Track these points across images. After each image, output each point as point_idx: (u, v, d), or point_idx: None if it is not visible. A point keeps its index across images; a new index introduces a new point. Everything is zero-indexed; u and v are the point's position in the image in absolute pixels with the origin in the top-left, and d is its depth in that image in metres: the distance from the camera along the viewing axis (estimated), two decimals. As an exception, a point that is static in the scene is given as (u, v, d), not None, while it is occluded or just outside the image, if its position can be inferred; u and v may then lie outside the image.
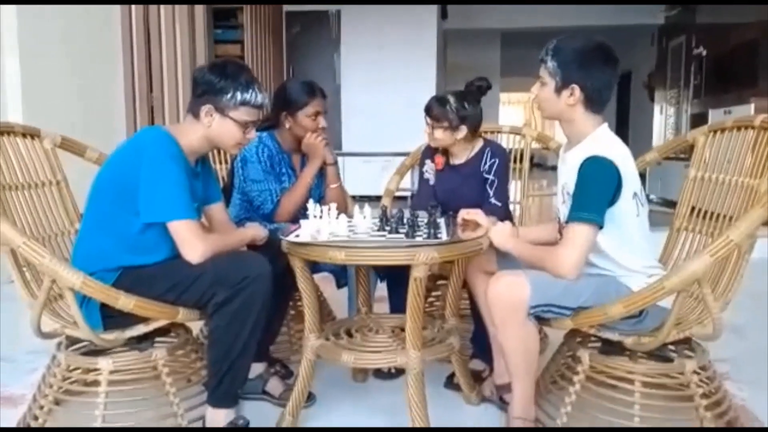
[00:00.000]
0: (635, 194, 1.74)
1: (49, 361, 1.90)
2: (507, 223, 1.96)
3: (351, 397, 2.18)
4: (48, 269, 1.64)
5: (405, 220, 1.89)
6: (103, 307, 1.74)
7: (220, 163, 2.82)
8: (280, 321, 2.27)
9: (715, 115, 5.74)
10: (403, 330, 1.89)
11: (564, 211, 1.79)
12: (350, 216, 2.04)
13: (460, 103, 2.23)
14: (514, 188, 2.67)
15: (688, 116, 6.99)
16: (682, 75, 7.28)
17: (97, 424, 1.75)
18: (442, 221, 1.96)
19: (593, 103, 1.75)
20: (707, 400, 1.76)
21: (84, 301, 1.74)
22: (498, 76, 9.94)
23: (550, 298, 1.71)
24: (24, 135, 2.05)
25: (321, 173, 2.45)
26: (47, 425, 1.84)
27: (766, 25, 5.45)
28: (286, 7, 7.30)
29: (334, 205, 1.92)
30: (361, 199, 2.48)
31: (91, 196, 1.84)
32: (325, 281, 2.44)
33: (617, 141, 1.78)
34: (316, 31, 7.36)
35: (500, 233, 1.88)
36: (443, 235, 1.83)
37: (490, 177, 2.29)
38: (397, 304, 2.23)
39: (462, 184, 2.33)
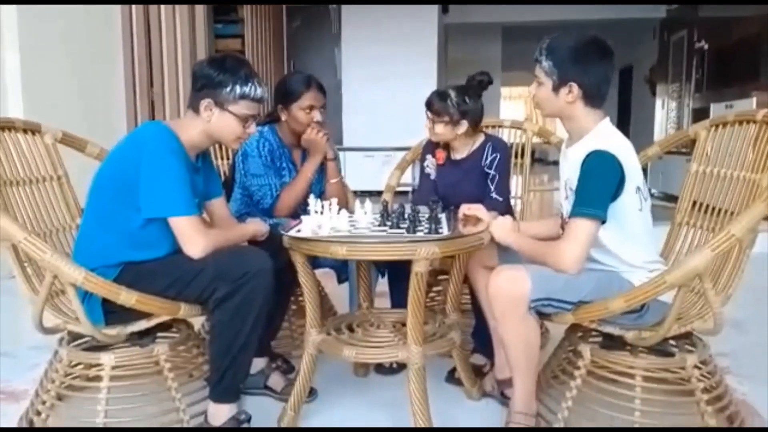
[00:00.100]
0: (638, 188, 1.74)
1: (51, 357, 1.91)
2: (508, 217, 1.97)
3: (352, 392, 2.18)
4: (49, 265, 1.64)
5: (406, 215, 1.89)
6: (105, 302, 1.75)
7: (222, 158, 2.82)
8: (282, 316, 2.27)
9: (716, 110, 5.73)
10: (404, 325, 1.89)
11: (567, 207, 1.79)
12: (351, 211, 2.04)
13: (461, 97, 2.23)
14: (515, 183, 2.67)
15: (689, 110, 6.97)
16: (683, 69, 7.26)
17: (99, 419, 1.76)
18: (443, 216, 1.96)
19: (592, 98, 1.75)
20: (708, 394, 1.76)
21: (86, 296, 1.75)
22: (499, 70, 9.92)
23: (550, 293, 1.72)
24: (25, 130, 2.05)
25: (322, 169, 2.45)
26: (49, 420, 1.84)
27: (768, 19, 5.43)
28: (286, 2, 7.29)
29: (335, 201, 1.92)
30: (362, 195, 2.47)
31: (91, 191, 1.84)
32: (326, 277, 2.44)
33: (619, 135, 1.78)
34: (317, 26, 7.34)
35: (501, 227, 1.88)
36: (444, 230, 1.83)
37: (491, 172, 2.28)
38: (398, 299, 2.23)
39: (463, 179, 2.33)
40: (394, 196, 2.75)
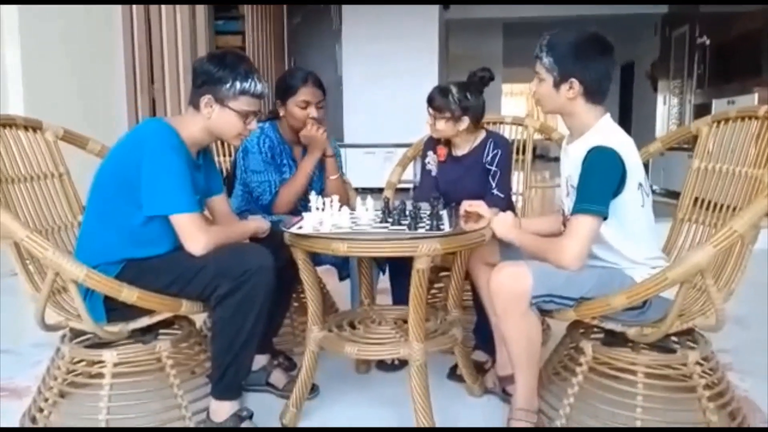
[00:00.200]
0: (640, 185, 1.74)
1: (54, 354, 1.91)
2: (509, 213, 1.97)
3: (354, 389, 2.18)
4: (51, 262, 1.65)
5: (407, 212, 1.89)
6: (107, 299, 1.75)
7: (224, 155, 2.82)
8: (283, 313, 2.27)
9: (718, 106, 5.72)
10: (405, 322, 1.89)
11: (568, 203, 1.79)
12: (353, 208, 2.04)
13: (463, 93, 2.22)
14: (517, 179, 2.66)
15: (691, 106, 6.97)
16: (685, 65, 7.25)
17: (102, 416, 1.76)
18: (444, 213, 1.96)
19: (593, 94, 1.75)
20: (710, 391, 1.76)
21: (87, 293, 1.75)
22: (500, 66, 9.91)
23: (552, 289, 1.72)
24: (26, 127, 2.05)
25: (322, 166, 2.44)
26: (52, 418, 1.84)
27: (770, 14, 5.41)
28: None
29: (336, 197, 1.92)
30: (364, 191, 2.48)
31: (93, 188, 1.84)
32: (328, 273, 2.44)
33: (620, 131, 1.77)
34: (318, 23, 7.33)
35: (503, 223, 1.88)
36: (446, 227, 1.82)
37: (493, 168, 2.28)
38: (400, 296, 2.23)
39: (464, 176, 2.32)
40: (396, 192, 2.74)
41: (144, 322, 1.83)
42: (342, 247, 1.70)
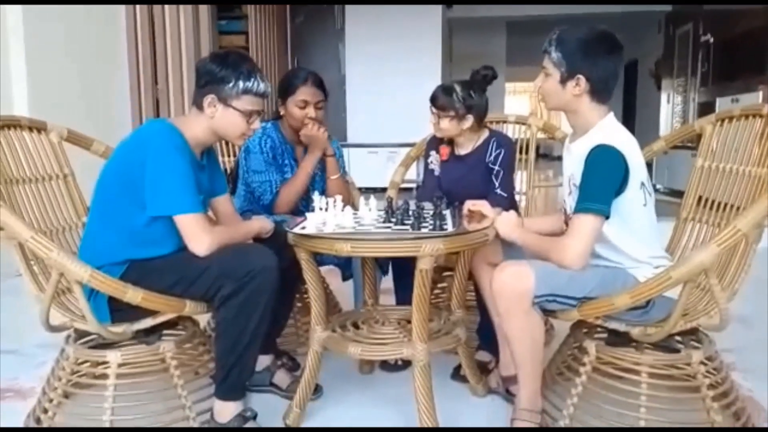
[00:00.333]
0: (642, 184, 1.73)
1: (58, 355, 1.92)
2: (512, 212, 1.96)
3: (358, 389, 2.19)
4: (56, 263, 1.65)
5: (410, 212, 1.89)
6: (111, 300, 1.75)
7: (229, 155, 2.82)
8: (287, 313, 2.27)
9: (722, 104, 5.70)
10: (409, 322, 1.89)
11: (570, 202, 1.79)
12: (356, 208, 2.04)
13: (467, 92, 2.22)
14: (520, 179, 2.66)
15: (695, 105, 6.94)
16: (689, 63, 7.22)
17: (106, 417, 1.76)
18: (447, 212, 1.96)
19: (599, 92, 1.74)
20: (714, 390, 1.75)
21: (92, 294, 1.75)
22: (503, 65, 9.88)
23: (555, 288, 1.71)
24: (30, 128, 2.05)
25: (323, 166, 2.45)
26: (56, 418, 1.85)
27: (775, 12, 5.39)
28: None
29: (339, 198, 1.92)
30: (367, 191, 2.48)
31: (97, 189, 1.84)
32: (331, 274, 2.44)
33: (624, 130, 1.77)
34: (321, 22, 7.32)
35: (506, 223, 1.88)
36: (449, 227, 1.82)
37: (496, 167, 2.28)
38: (403, 296, 2.23)
39: (467, 175, 2.32)
40: (399, 192, 2.74)
41: (148, 322, 1.83)
42: (345, 247, 1.70)
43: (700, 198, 2.11)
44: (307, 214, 1.90)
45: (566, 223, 1.85)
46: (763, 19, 5.52)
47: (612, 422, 1.76)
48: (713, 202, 2.03)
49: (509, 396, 2.01)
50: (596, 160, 1.67)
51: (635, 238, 1.76)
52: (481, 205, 1.95)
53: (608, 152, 1.66)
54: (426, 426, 1.79)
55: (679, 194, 2.37)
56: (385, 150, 6.62)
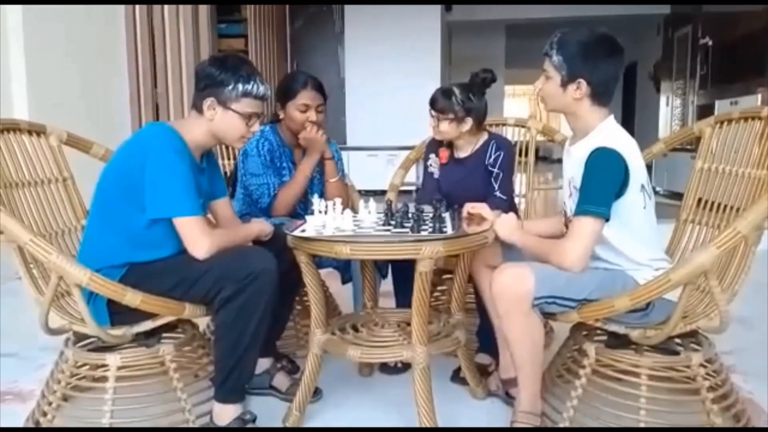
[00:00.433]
0: (642, 186, 1.73)
1: (57, 358, 1.91)
2: (512, 214, 1.96)
3: (357, 392, 2.18)
4: (55, 266, 1.65)
5: (410, 215, 1.89)
6: (110, 303, 1.75)
7: (228, 158, 2.82)
8: (287, 316, 2.27)
9: (721, 106, 5.70)
10: (409, 324, 1.89)
11: (570, 204, 1.79)
12: (355, 211, 2.04)
13: (466, 94, 2.22)
14: (519, 181, 2.66)
15: (694, 107, 6.94)
16: (688, 65, 7.23)
17: (105, 419, 1.76)
18: (447, 215, 1.96)
19: (600, 96, 1.74)
20: (714, 393, 1.75)
21: (91, 297, 1.75)
22: (502, 68, 9.89)
23: (554, 290, 1.71)
24: (30, 132, 2.05)
25: (322, 169, 2.45)
26: (55, 421, 1.85)
27: (773, 15, 5.40)
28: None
29: (339, 200, 1.92)
30: (366, 194, 2.48)
31: (97, 192, 1.84)
32: (330, 276, 2.44)
33: (624, 133, 1.77)
34: (320, 26, 7.34)
35: (505, 225, 1.88)
36: (448, 229, 1.82)
37: (495, 170, 2.28)
38: (403, 299, 2.23)
39: (466, 178, 2.32)
40: (398, 195, 2.74)
41: (147, 325, 1.83)
42: (345, 249, 1.70)
43: (699, 200, 2.11)
44: (307, 217, 1.90)
45: (566, 226, 1.85)
46: (762, 22, 5.53)
47: (612, 425, 1.76)
48: (713, 203, 2.03)
49: (509, 398, 2.01)
50: (596, 163, 1.67)
51: (635, 240, 1.76)
52: (481, 208, 1.95)
53: (608, 155, 1.66)
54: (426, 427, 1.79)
55: (678, 196, 2.38)
56: (385, 153, 6.64)
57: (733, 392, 1.82)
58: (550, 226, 2.03)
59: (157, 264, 1.80)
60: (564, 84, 1.74)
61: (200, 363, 1.97)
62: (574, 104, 1.76)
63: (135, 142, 1.83)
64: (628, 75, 10.15)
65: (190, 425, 1.84)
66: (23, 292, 1.83)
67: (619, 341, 1.82)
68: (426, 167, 2.44)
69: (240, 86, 1.81)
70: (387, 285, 2.38)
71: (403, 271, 2.13)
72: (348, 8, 7.15)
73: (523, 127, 2.74)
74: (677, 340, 1.84)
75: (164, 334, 1.95)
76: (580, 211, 1.67)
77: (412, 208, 1.93)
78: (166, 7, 4.84)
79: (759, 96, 5.13)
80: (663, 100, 8.17)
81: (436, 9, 7.22)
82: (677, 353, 1.80)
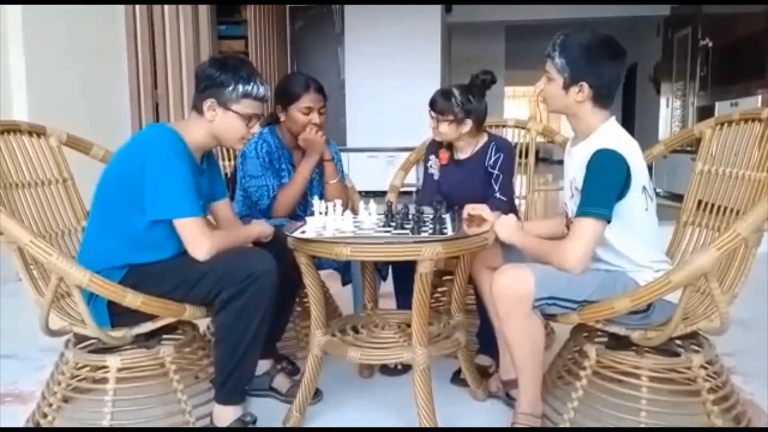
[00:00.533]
0: (644, 188, 1.73)
1: (58, 359, 1.91)
2: (512, 216, 1.96)
3: (358, 393, 2.18)
4: (55, 267, 1.65)
5: (410, 216, 1.89)
6: (111, 304, 1.75)
7: (228, 159, 2.83)
8: (287, 317, 2.27)
9: (721, 108, 5.70)
10: (409, 326, 1.89)
11: (572, 206, 1.79)
12: (355, 212, 2.04)
13: (465, 96, 2.23)
14: (520, 183, 2.66)
15: (694, 109, 6.95)
16: (688, 67, 7.23)
17: (106, 421, 1.76)
18: (447, 216, 1.96)
19: (602, 98, 1.74)
20: (714, 394, 1.75)
21: (91, 298, 1.75)
22: (503, 69, 9.91)
23: (554, 291, 1.71)
24: (30, 133, 2.05)
25: (322, 170, 2.45)
26: (56, 423, 1.85)
27: (774, 16, 5.40)
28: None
29: (339, 202, 1.92)
30: (366, 195, 2.48)
31: (97, 193, 1.84)
32: (331, 278, 2.44)
33: (625, 134, 1.77)
34: (320, 26, 7.34)
35: (506, 226, 1.88)
36: (448, 231, 1.82)
37: (495, 172, 2.28)
38: (403, 300, 2.23)
39: (466, 179, 2.32)
40: (398, 196, 2.75)
41: (147, 327, 1.83)
42: (345, 251, 1.70)
43: (699, 202, 2.11)
44: (307, 219, 1.90)
45: (568, 227, 1.85)
46: (762, 24, 5.54)
47: (612, 426, 1.76)
48: (713, 205, 2.03)
49: (509, 400, 2.01)
50: (598, 165, 1.67)
51: (637, 242, 1.76)
52: (481, 209, 1.95)
53: (610, 156, 1.66)
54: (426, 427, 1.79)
55: (678, 198, 2.38)
56: (385, 154, 6.64)
57: (734, 394, 1.82)
58: (550, 227, 2.03)
59: (157, 265, 1.80)
60: (566, 86, 1.74)
61: (200, 364, 1.97)
62: (576, 106, 1.76)
63: (135, 143, 1.84)
64: (628, 76, 10.15)
65: (191, 426, 1.84)
66: (23, 293, 1.83)
67: (619, 343, 1.83)
68: (426, 168, 2.44)
69: (240, 87, 1.81)
70: (387, 286, 2.38)
71: (404, 273, 2.13)
72: (348, 9, 7.16)
73: (523, 128, 2.74)
74: (678, 342, 1.84)
75: (164, 336, 1.95)
76: (581, 212, 1.68)
77: (412, 209, 1.93)
78: (166, 7, 4.84)
79: (759, 97, 5.14)
80: (663, 101, 8.18)
81: (436, 10, 7.22)
82: (678, 355, 1.80)
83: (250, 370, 1.86)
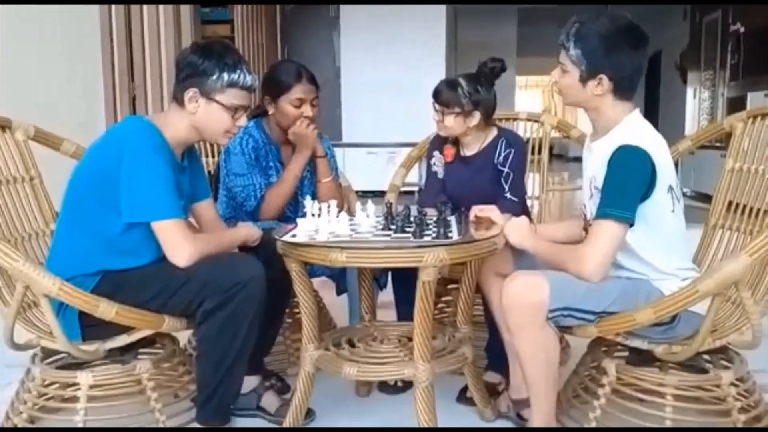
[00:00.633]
0: (670, 187, 1.73)
1: (24, 376, 1.91)
2: (524, 218, 1.96)
3: (354, 413, 2.18)
4: (21, 274, 1.65)
5: (412, 218, 1.89)
6: (82, 315, 1.75)
7: (212, 156, 2.83)
8: (276, 330, 2.27)
9: (754, 99, 5.71)
10: (410, 339, 1.89)
11: (591, 207, 1.79)
12: (352, 214, 2.04)
13: (473, 86, 2.23)
14: (532, 182, 2.67)
15: (724, 100, 6.96)
16: (717, 54, 7.24)
17: (76, 443, 1.76)
18: (452, 219, 1.96)
19: (623, 90, 1.74)
20: (746, 414, 1.76)
21: (61, 308, 1.76)
22: (514, 56, 9.90)
23: (571, 302, 1.71)
24: (-7, 127, 2.06)
25: (314, 168, 2.45)
26: (22, 445, 1.85)
27: (812, -2, 5.42)
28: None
29: (333, 202, 1.92)
30: (364, 195, 2.48)
31: (68, 193, 1.85)
32: (324, 286, 2.44)
33: (650, 129, 1.77)
34: (313, 9, 7.34)
35: (517, 229, 1.88)
36: (454, 234, 1.83)
37: (505, 170, 2.28)
38: (405, 311, 2.23)
39: (474, 178, 2.33)
40: (399, 196, 2.75)
41: (123, 340, 1.83)
42: (340, 256, 1.71)
43: (730, 203, 2.11)
44: (299, 221, 1.90)
45: (586, 230, 1.85)
46: (799, 7, 5.54)
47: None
48: (744, 207, 2.03)
49: (520, 421, 2.01)
50: (620, 162, 1.67)
51: (662, 247, 1.76)
52: (490, 211, 1.95)
53: (634, 153, 1.66)
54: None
55: (707, 199, 2.38)
56: (385, 150, 6.63)
57: (767, 414, 1.82)
58: (565, 230, 2.04)
59: (133, 272, 1.80)
60: (583, 79, 1.74)
61: (181, 381, 1.98)
62: (595, 100, 1.76)
63: (110, 138, 1.84)
64: (651, 65, 10.13)
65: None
66: (-14, 303, 1.84)
67: (641, 358, 1.83)
68: (429, 166, 2.45)
69: (225, 76, 1.81)
70: (386, 295, 2.39)
71: (405, 281, 2.14)
72: (344, -10, 7.16)
73: (536, 122, 2.74)
74: (706, 357, 1.84)
75: (141, 350, 1.95)
76: (601, 214, 1.68)
77: (414, 211, 1.94)
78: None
79: (795, 88, 5.14)
80: (690, 92, 8.18)
81: (441, -9, 7.23)
82: (706, 371, 1.81)
83: (235, 387, 1.86)
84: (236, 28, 6.29)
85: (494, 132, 2.35)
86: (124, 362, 1.87)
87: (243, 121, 1.90)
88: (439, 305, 2.57)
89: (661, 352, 1.77)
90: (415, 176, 4.30)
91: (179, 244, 1.74)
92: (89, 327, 1.79)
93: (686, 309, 1.66)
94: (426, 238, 1.79)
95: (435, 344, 1.94)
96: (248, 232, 2.00)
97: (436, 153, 2.42)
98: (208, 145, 2.85)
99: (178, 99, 1.85)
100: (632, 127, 1.75)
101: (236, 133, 1.94)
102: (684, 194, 1.74)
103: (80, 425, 1.77)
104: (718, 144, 4.65)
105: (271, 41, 7.19)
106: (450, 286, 2.51)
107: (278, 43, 7.37)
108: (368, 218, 1.97)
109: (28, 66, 3.99)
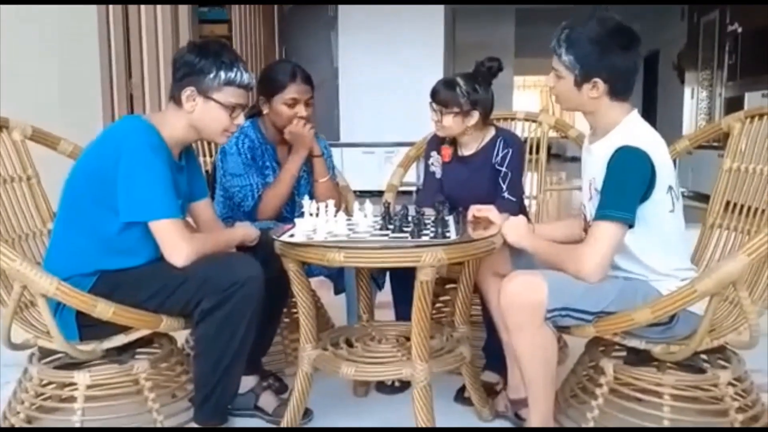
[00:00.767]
0: (670, 188, 1.73)
1: (21, 376, 1.91)
2: (522, 217, 1.96)
3: (351, 413, 2.18)
4: (18, 274, 1.65)
5: (410, 218, 1.89)
6: (80, 315, 1.75)
7: (210, 155, 2.82)
8: (274, 329, 2.27)
9: (752, 99, 5.71)
10: (408, 339, 1.89)
11: (591, 208, 1.79)
12: (350, 213, 2.04)
13: (471, 86, 2.23)
14: (530, 182, 2.66)
15: (722, 100, 6.96)
16: (715, 54, 7.25)
17: (74, 443, 1.76)
18: (450, 219, 1.96)
19: (619, 91, 1.74)
20: (744, 414, 1.76)
21: (58, 308, 1.75)
22: (512, 56, 9.91)
23: (569, 302, 1.71)
24: (-10, 126, 2.06)
25: (311, 168, 2.45)
26: (19, 445, 1.84)
27: (810, -2, 5.42)
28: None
29: (332, 202, 1.92)
30: (362, 195, 2.48)
31: (65, 193, 1.84)
32: (322, 286, 2.44)
33: (649, 129, 1.77)
34: (311, 8, 7.34)
35: (515, 229, 1.88)
36: (452, 234, 1.83)
37: (503, 169, 2.28)
38: (403, 311, 2.23)
39: (471, 178, 2.33)
40: (397, 196, 2.75)
41: (120, 340, 1.83)
42: (338, 256, 1.70)
43: (727, 203, 2.11)
44: (296, 220, 1.90)
45: (586, 231, 1.85)
46: (797, 7, 5.55)
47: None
48: (742, 207, 2.04)
49: (518, 420, 2.01)
50: (620, 163, 1.67)
51: (661, 247, 1.76)
52: (488, 211, 1.95)
53: (633, 154, 1.66)
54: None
55: (704, 199, 2.38)
56: (382, 150, 6.63)
57: (765, 414, 1.82)
58: (563, 230, 2.04)
59: (131, 272, 1.80)
60: (578, 84, 1.74)
61: (178, 381, 1.97)
62: (592, 103, 1.76)
63: (107, 137, 1.84)
64: (649, 65, 10.18)
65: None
66: (-17, 302, 1.83)
67: (639, 357, 1.83)
68: (427, 166, 2.45)
69: (222, 74, 1.81)
70: (384, 295, 2.38)
71: (403, 280, 2.13)
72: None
73: (534, 121, 2.74)
74: (703, 357, 1.85)
75: (138, 350, 1.95)
76: (600, 215, 1.68)
77: (412, 210, 1.94)
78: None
79: (793, 88, 5.15)
80: (687, 92, 8.19)
81: (439, -10, 7.22)
82: (703, 371, 1.81)
83: (233, 387, 1.86)
84: (234, 27, 6.28)
85: (492, 132, 2.35)
86: (122, 362, 1.86)
87: (241, 119, 1.90)
88: (437, 305, 2.57)
89: (658, 352, 1.77)
90: (413, 176, 4.31)
91: (177, 244, 1.74)
92: (86, 327, 1.78)
93: (684, 309, 1.66)
94: (424, 238, 1.79)
95: (433, 344, 1.94)
96: (246, 231, 2.00)
97: (433, 153, 2.42)
98: (205, 145, 2.85)
99: (175, 98, 1.84)
100: (631, 128, 1.75)
101: (234, 131, 1.94)
102: (682, 194, 1.74)
103: (78, 425, 1.77)
104: (715, 144, 4.66)
105: (270, 41, 7.18)
106: (448, 286, 2.51)
107: (276, 43, 7.37)
108: (366, 218, 1.97)
109: (26, 65, 3.98)
